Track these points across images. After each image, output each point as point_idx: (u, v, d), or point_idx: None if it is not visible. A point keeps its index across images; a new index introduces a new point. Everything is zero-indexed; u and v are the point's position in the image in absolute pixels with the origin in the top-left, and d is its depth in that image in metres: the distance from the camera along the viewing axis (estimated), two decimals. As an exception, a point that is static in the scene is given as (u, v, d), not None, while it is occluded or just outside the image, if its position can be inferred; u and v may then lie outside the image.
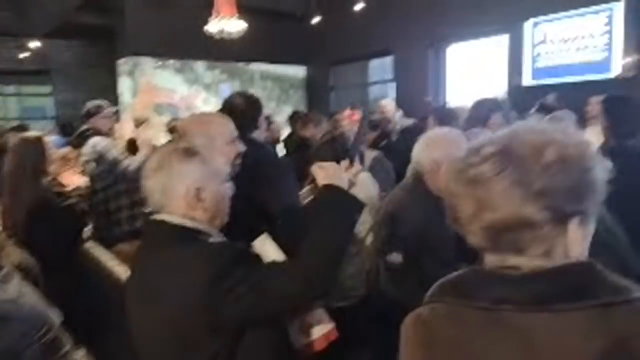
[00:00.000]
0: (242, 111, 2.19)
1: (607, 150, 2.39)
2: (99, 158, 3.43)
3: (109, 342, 2.03)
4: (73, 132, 5.05)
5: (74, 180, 3.50)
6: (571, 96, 4.49)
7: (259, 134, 2.29)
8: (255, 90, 8.36)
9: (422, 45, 6.79)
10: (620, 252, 1.38)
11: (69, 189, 3.15)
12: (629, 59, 4.83)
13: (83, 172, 3.62)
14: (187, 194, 1.15)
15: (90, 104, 3.65)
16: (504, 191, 0.70)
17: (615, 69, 4.90)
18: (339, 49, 8.02)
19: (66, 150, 3.73)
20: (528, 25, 5.58)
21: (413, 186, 1.83)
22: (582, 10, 5.14)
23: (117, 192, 3.50)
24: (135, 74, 7.15)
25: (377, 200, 2.69)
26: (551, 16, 5.40)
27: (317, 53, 8.44)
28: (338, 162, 2.51)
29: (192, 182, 1.15)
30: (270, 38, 7.60)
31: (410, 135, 4.25)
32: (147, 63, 7.22)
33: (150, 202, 1.19)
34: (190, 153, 1.18)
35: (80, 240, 2.93)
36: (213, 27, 4.60)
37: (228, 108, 2.24)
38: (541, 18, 5.48)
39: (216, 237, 1.20)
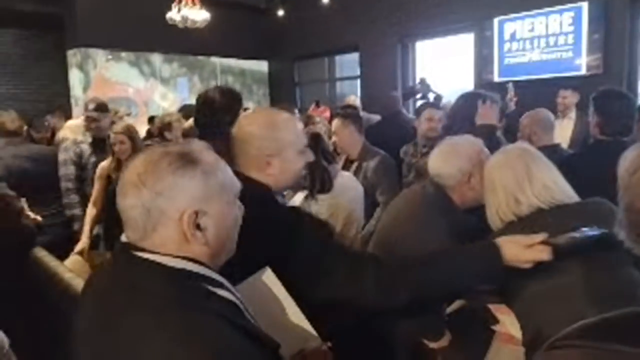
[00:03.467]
0: (221, 107, 2.01)
1: (595, 146, 2.35)
2: None
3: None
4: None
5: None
6: (540, 92, 4.54)
7: None
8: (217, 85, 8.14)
9: (390, 41, 6.74)
10: None
11: None
12: (593, 57, 4.94)
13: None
14: (181, 220, 0.80)
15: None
16: None
17: (582, 67, 5.01)
18: (303, 44, 7.85)
19: None
20: (494, 24, 5.63)
21: (435, 200, 1.67)
22: (546, 9, 5.23)
23: None
24: (87, 67, 6.68)
25: (362, 201, 2.55)
26: (516, 15, 5.47)
27: (281, 48, 8.23)
28: (325, 160, 2.39)
29: (190, 203, 0.80)
30: (232, 31, 7.32)
31: (377, 130, 4.12)
32: (99, 55, 6.77)
33: (127, 229, 0.83)
34: (188, 160, 0.82)
35: (25, 249, 2.60)
36: (176, 15, 4.30)
37: (203, 102, 2.05)
38: (507, 17, 5.55)
39: (225, 289, 0.84)
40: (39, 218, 2.83)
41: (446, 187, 1.66)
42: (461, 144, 1.68)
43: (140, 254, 0.81)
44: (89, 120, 3.18)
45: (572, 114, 4.17)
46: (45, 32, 7.63)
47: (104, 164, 2.99)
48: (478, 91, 2.46)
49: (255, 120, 1.26)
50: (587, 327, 0.64)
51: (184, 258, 0.81)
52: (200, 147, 0.86)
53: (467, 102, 2.38)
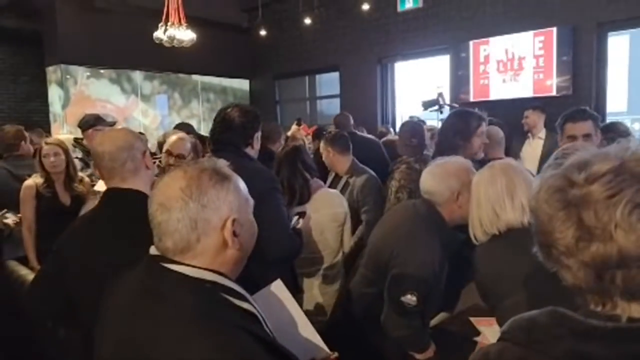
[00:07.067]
0: (239, 126, 1.93)
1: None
2: None
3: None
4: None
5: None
6: (513, 112, 4.72)
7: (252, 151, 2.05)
8: (198, 103, 8.16)
9: (370, 62, 6.91)
10: None
11: None
12: (563, 79, 5.18)
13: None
14: (223, 228, 0.87)
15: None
16: (622, 218, 0.58)
17: (552, 88, 5.24)
18: (285, 63, 7.97)
19: None
20: (470, 46, 5.86)
21: (427, 216, 1.74)
22: (519, 33, 5.47)
23: None
24: (66, 83, 6.62)
25: (343, 217, 2.59)
26: (490, 39, 5.70)
27: (263, 67, 8.33)
28: (307, 173, 2.43)
29: (229, 213, 0.88)
30: (214, 50, 7.38)
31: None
32: (79, 71, 6.73)
33: (168, 241, 0.86)
34: (222, 175, 0.90)
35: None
36: (162, 35, 4.34)
37: (222, 119, 1.96)
38: (481, 40, 5.77)
39: (246, 302, 0.90)
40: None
41: (436, 204, 1.73)
42: (451, 164, 1.75)
43: (171, 266, 0.85)
44: None
45: (542, 134, 4.29)
46: (23, 49, 7.55)
47: (29, 183, 2.78)
48: (470, 109, 2.50)
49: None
50: (510, 325, 0.70)
51: (212, 271, 0.86)
52: (224, 164, 0.94)
53: (460, 119, 2.42)
